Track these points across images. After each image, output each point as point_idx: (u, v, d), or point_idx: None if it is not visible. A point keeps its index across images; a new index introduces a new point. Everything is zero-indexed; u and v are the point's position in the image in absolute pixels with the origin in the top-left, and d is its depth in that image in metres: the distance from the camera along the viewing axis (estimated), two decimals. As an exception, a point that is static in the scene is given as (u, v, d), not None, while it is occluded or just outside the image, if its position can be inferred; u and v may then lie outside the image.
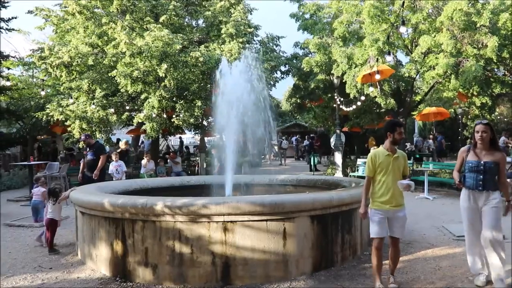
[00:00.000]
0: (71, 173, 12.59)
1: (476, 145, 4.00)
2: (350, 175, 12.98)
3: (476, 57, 11.24)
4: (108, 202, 4.46)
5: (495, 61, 11.49)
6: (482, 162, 3.94)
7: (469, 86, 11.28)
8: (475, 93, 11.98)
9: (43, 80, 17.60)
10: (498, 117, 22.97)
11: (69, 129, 13.91)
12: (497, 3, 11.70)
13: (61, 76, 13.34)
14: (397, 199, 3.96)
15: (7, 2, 15.96)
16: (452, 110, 21.47)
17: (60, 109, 13.47)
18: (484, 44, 11.10)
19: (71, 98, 14.30)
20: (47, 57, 13.02)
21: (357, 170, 13.16)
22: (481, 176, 3.94)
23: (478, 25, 11.03)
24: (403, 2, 8.25)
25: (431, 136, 21.66)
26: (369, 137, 19.86)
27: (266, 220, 4.19)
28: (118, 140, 17.70)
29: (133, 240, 4.36)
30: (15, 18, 16.16)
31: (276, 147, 23.85)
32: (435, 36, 11.56)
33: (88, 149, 8.74)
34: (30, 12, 14.71)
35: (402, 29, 9.82)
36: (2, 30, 15.90)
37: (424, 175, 10.22)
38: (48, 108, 13.82)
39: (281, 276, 4.23)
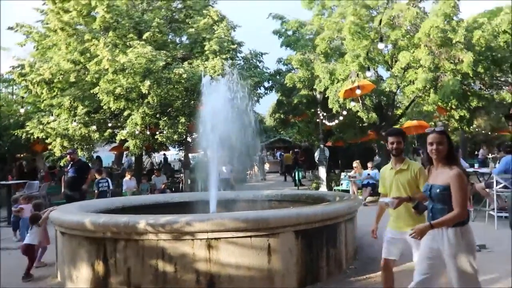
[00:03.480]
0: (52, 192, 12.28)
1: (432, 162, 3.05)
2: (334, 189, 13.04)
3: (453, 72, 11.57)
4: (89, 221, 4.36)
5: (471, 75, 11.85)
6: (430, 185, 3.02)
7: (448, 100, 11.59)
8: (453, 106, 12.28)
9: (22, 97, 17.28)
10: (476, 130, 23.60)
11: (50, 147, 13.64)
12: (471, 21, 12.15)
13: (42, 93, 13.15)
14: (406, 220, 3.44)
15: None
16: (433, 123, 21.91)
17: (41, 126, 13.22)
18: (460, 60, 11.45)
19: (52, 115, 14.07)
20: (27, 74, 12.84)
21: (341, 184, 13.24)
22: (431, 205, 3.01)
23: (454, 41, 11.40)
24: (381, 20, 8.51)
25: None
26: (355, 152, 19.17)
27: (251, 236, 4.16)
28: (98, 157, 17.38)
29: (115, 260, 4.26)
30: (-5, 34, 15.97)
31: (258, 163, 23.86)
32: (413, 52, 11.88)
33: (70, 166, 8.58)
34: (10, 28, 14.54)
35: (380, 46, 10.10)
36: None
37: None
38: (28, 125, 13.55)
39: (267, 293, 4.18)
